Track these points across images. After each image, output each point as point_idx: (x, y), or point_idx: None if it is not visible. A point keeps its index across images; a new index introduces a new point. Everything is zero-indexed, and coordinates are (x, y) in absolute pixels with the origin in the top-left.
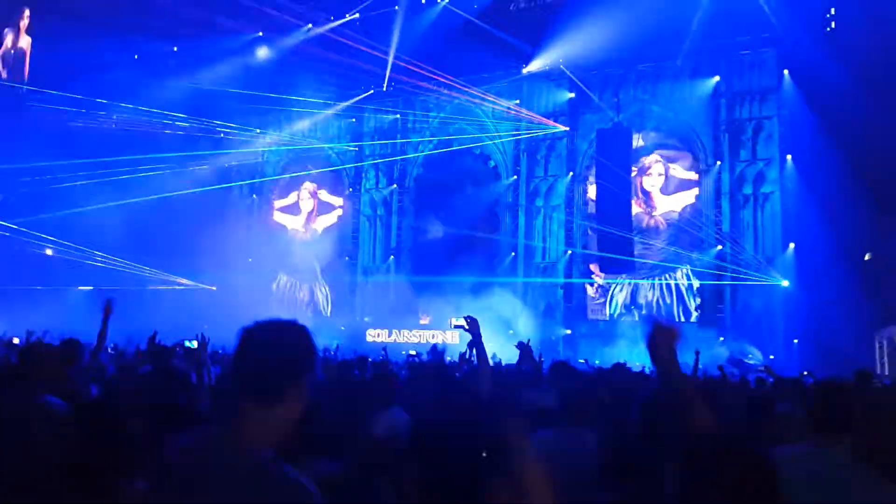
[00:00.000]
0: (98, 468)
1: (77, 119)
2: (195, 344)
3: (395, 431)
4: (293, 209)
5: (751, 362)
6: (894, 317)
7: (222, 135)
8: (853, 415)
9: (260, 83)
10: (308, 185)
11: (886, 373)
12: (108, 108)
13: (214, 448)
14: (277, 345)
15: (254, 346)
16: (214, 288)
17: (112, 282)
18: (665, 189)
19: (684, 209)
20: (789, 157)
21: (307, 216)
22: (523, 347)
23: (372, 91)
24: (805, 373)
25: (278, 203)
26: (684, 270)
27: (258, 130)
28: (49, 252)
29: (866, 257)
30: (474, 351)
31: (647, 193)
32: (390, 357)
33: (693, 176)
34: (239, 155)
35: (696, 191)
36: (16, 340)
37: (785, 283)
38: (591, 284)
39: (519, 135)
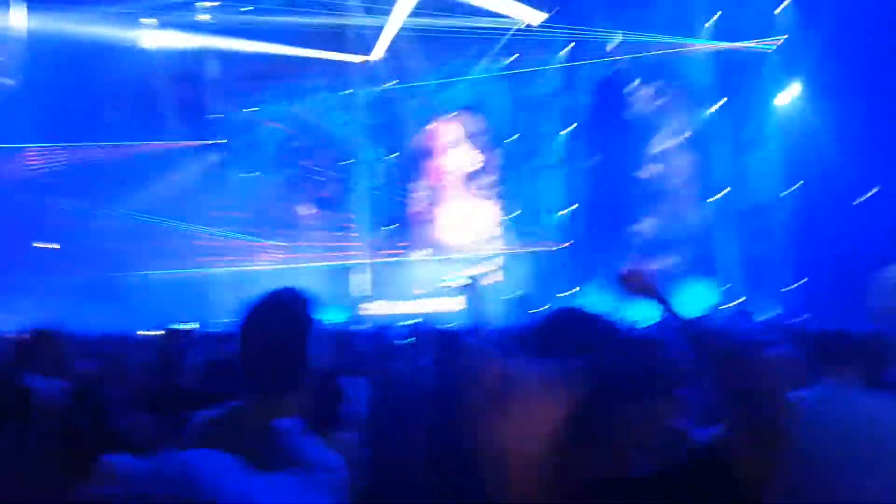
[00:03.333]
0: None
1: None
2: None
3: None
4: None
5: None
6: None
7: (223, 115)
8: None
9: (248, 58)
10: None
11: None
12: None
13: (242, 419)
14: (283, 326)
15: (261, 328)
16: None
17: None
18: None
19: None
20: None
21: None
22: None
23: (365, 59)
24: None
25: None
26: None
27: (255, 109)
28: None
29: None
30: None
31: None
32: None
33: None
34: (237, 135)
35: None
36: None
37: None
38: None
39: (515, 92)
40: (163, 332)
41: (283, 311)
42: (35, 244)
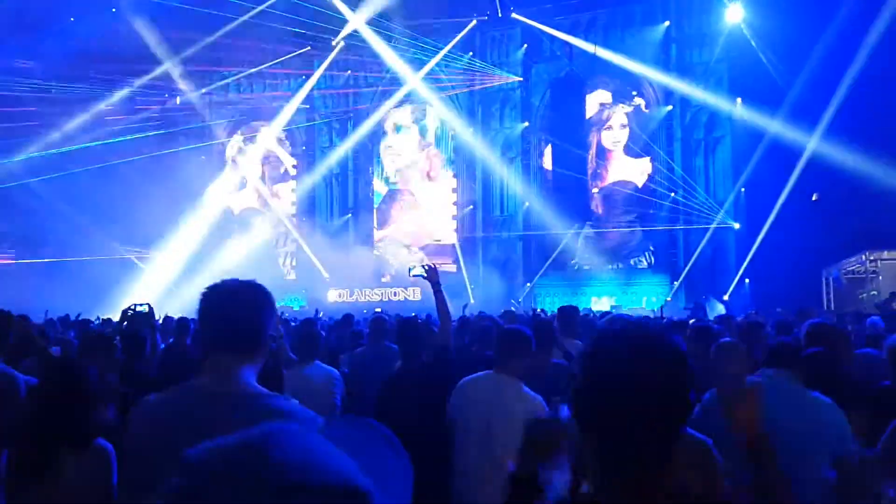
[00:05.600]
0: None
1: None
2: (146, 308)
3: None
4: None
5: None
6: (840, 254)
7: (167, 96)
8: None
9: (200, 41)
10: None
11: (833, 307)
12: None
13: (208, 392)
14: (247, 303)
15: (225, 305)
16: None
17: (73, 252)
18: (628, 148)
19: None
20: (739, 100)
21: (257, 188)
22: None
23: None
24: (753, 311)
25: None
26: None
27: (203, 90)
28: None
29: (813, 197)
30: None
31: (604, 153)
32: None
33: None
34: (185, 117)
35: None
36: None
37: (736, 226)
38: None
39: (473, 86)
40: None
41: (243, 289)
42: None
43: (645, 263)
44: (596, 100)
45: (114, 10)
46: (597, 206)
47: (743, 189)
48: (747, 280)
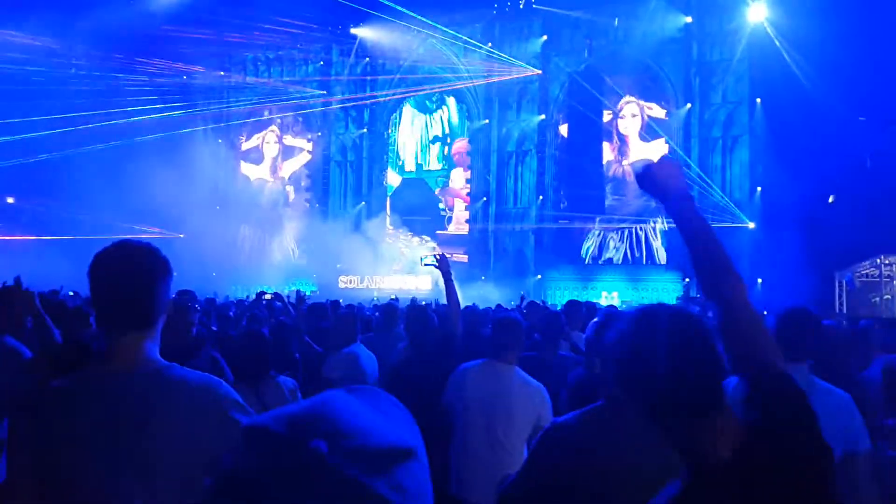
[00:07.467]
0: None
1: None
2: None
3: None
4: (257, 157)
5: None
6: (854, 257)
7: (185, 78)
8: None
9: (221, 24)
10: (274, 129)
11: (844, 311)
12: (66, 52)
13: (97, 376)
14: (138, 272)
15: (121, 276)
16: (182, 236)
17: (77, 231)
18: (642, 135)
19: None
20: (759, 100)
21: (272, 162)
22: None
23: (339, 30)
24: (765, 312)
25: (245, 145)
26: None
27: (222, 73)
28: (10, 200)
29: (830, 200)
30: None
31: (623, 138)
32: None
33: (662, 114)
34: (203, 99)
35: (663, 140)
36: None
37: (751, 226)
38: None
39: (491, 78)
40: None
41: (137, 255)
42: None
43: (658, 260)
44: (615, 95)
45: None
46: (610, 199)
47: (759, 189)
48: (759, 280)
